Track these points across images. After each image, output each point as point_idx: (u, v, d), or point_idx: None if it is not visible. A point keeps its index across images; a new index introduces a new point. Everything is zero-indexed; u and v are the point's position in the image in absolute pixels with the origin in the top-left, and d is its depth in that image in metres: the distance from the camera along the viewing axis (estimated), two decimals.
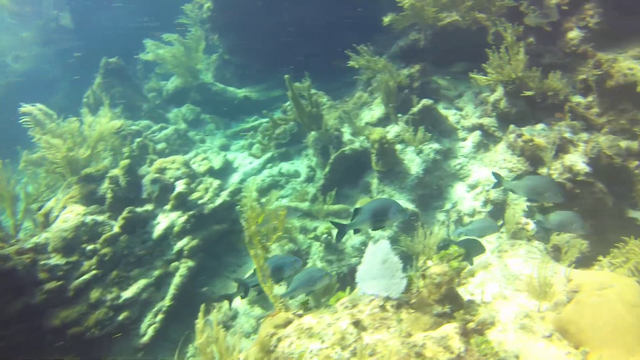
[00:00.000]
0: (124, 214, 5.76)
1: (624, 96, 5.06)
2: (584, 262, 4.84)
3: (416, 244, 4.25)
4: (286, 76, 6.17)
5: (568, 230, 4.12)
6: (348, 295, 2.98)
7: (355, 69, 6.73)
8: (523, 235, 4.35)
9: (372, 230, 4.25)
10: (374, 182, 5.76)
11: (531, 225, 4.36)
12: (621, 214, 4.94)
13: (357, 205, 5.94)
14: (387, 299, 2.55)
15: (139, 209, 6.04)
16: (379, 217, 3.50)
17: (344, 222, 3.88)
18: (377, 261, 2.62)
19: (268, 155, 7.70)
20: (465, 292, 3.79)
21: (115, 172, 6.09)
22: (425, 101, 5.59)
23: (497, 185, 4.17)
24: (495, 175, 4.15)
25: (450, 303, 2.61)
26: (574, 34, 5.51)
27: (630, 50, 5.35)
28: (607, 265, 4.18)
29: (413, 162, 5.54)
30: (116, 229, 5.70)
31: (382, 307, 2.60)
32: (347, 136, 6.61)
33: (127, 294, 5.49)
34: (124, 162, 6.06)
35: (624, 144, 4.97)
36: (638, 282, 3.78)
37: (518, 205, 5.05)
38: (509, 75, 5.13)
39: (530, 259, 4.03)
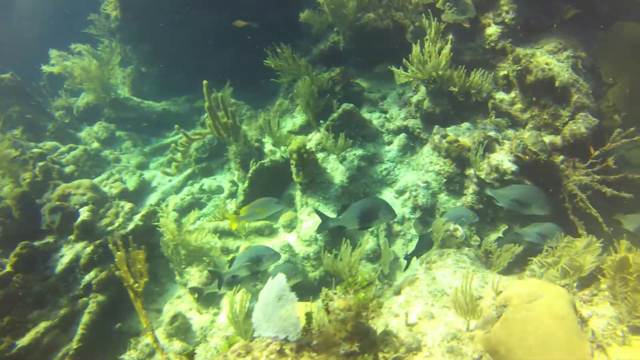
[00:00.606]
0: (17, 250, 5.08)
1: (544, 91, 4.93)
2: (518, 263, 4.64)
3: (338, 263, 3.87)
4: (205, 82, 5.67)
5: (548, 241, 4.00)
6: (241, 341, 2.54)
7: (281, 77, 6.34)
8: (452, 243, 4.07)
9: (359, 229, 4.02)
10: (298, 194, 5.37)
11: (460, 232, 4.09)
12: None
13: (282, 220, 5.56)
14: (286, 341, 2.14)
15: (37, 243, 5.36)
16: (368, 216, 3.47)
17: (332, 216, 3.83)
18: (272, 298, 2.21)
19: (188, 171, 7.16)
20: (389, 313, 3.44)
21: (7, 202, 5.38)
22: (346, 106, 5.26)
23: (480, 191, 4.15)
24: (479, 180, 3.99)
25: (360, 340, 2.22)
26: (492, 30, 5.35)
27: (546, 45, 5.25)
28: (538, 267, 3.95)
29: (337, 170, 5.19)
30: (8, 268, 5.00)
31: (281, 352, 2.19)
32: (268, 147, 6.20)
33: (24, 341, 4.80)
34: (16, 191, 5.37)
35: (547, 139, 4.83)
36: (568, 285, 3.58)
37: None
38: (430, 74, 4.88)
39: (460, 268, 3.75)
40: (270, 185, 5.70)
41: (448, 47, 4.84)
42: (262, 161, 5.57)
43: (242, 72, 7.13)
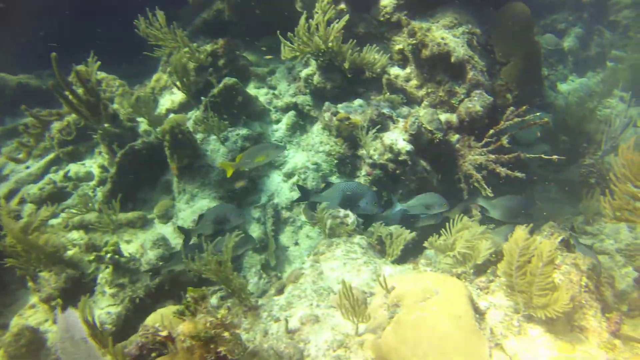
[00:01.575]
0: None
1: (440, 67, 4.66)
2: (414, 251, 4.35)
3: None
4: (53, 54, 4.74)
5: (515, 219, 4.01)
6: None
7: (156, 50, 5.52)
8: (342, 231, 3.64)
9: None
10: (175, 180, 4.68)
11: (350, 218, 3.67)
12: (444, 193, 4.55)
13: (156, 210, 4.84)
14: None
15: None
16: (350, 200, 3.45)
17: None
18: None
19: (51, 156, 6.13)
20: (269, 318, 2.93)
21: None
22: (227, 80, 4.63)
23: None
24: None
25: None
26: (386, 2, 4.98)
27: (442, 19, 4.99)
28: (434, 254, 3.65)
29: (218, 152, 4.56)
30: None
31: None
32: (144, 127, 5.40)
33: None
34: None
35: (443, 117, 4.57)
36: (465, 273, 3.30)
37: None
38: (319, 47, 4.39)
39: (350, 260, 3.32)
40: (145, 171, 4.95)
41: (346, 18, 4.35)
42: (132, 144, 4.79)
43: (120, 43, 6.20)
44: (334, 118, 4.30)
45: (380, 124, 4.22)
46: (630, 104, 7.10)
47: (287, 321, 2.68)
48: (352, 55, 4.45)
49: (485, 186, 4.28)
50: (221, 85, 4.59)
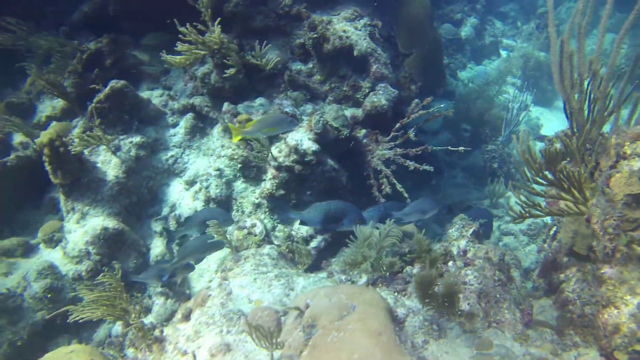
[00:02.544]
0: None
1: (343, 61, 4.52)
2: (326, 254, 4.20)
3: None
4: None
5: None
6: None
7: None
8: (251, 242, 3.39)
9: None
10: (62, 198, 4.16)
11: (258, 227, 3.42)
12: (354, 191, 4.45)
13: (41, 233, 4.29)
14: None
15: None
16: (333, 220, 3.36)
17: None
18: None
19: None
20: (174, 351, 2.62)
21: None
22: (115, 83, 4.17)
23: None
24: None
25: None
26: None
27: (343, 12, 4.86)
28: (350, 256, 3.50)
29: (109, 164, 4.10)
30: None
31: None
32: (19, 138, 4.76)
33: None
34: None
35: (349, 112, 4.44)
36: (381, 277, 3.19)
37: (245, 199, 4.12)
38: (211, 46, 4.07)
39: (260, 275, 3.08)
40: (22, 189, 4.36)
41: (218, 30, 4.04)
42: (4, 159, 4.19)
43: None
44: (235, 120, 4.01)
45: None
46: (523, 90, 7.46)
47: (194, 357, 2.39)
48: (246, 57, 4.20)
49: (395, 181, 4.22)
50: (107, 89, 4.12)
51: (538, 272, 3.96)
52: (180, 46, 3.98)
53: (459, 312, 2.68)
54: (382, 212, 3.91)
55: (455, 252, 3.48)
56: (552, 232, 4.55)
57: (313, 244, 4.09)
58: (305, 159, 3.91)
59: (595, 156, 2.47)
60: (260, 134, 3.56)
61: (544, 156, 2.43)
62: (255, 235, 3.40)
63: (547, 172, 2.47)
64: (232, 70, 4.11)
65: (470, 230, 3.71)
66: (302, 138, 3.94)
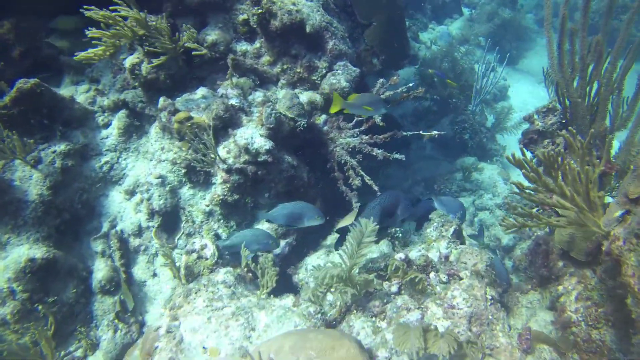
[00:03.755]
0: None
1: (294, 38, 3.94)
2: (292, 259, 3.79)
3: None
4: None
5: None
6: None
7: None
8: (202, 267, 2.91)
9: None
10: None
11: (209, 249, 2.93)
12: (316, 185, 3.99)
13: None
14: None
15: None
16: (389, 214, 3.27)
17: None
18: None
19: None
20: None
21: None
22: (22, 84, 3.47)
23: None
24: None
25: None
26: None
27: None
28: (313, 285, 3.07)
29: (29, 181, 3.49)
30: None
31: None
32: None
33: None
34: None
35: (305, 97, 3.91)
36: (357, 301, 2.78)
37: (195, 207, 3.61)
38: (136, 31, 3.43)
39: (216, 312, 2.61)
40: None
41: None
42: None
43: None
44: (173, 119, 3.43)
45: (231, 119, 3.45)
46: (487, 49, 7.02)
47: None
48: (181, 41, 3.58)
49: (363, 172, 3.77)
50: (13, 91, 3.44)
51: (527, 261, 3.60)
52: (91, 32, 3.33)
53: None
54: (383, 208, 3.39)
55: (436, 259, 3.10)
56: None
57: (276, 250, 3.65)
58: (259, 159, 3.40)
59: (605, 156, 2.07)
60: (359, 111, 3.45)
61: (543, 160, 2.01)
62: (207, 259, 2.92)
63: (546, 179, 2.05)
64: (162, 58, 3.51)
65: (451, 230, 3.33)
66: (252, 135, 3.41)
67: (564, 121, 3.85)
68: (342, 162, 3.86)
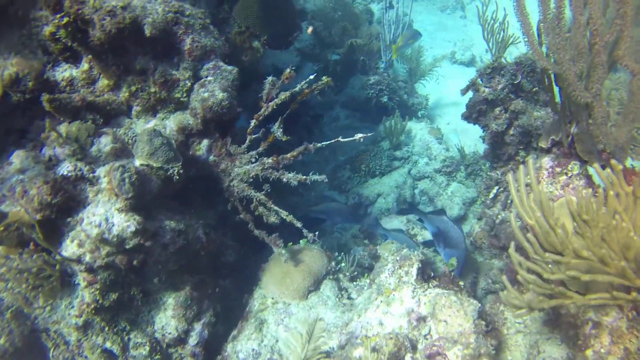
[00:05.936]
0: None
1: (133, 47, 2.76)
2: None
3: None
4: None
5: None
6: None
7: None
8: None
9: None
10: None
11: None
12: (222, 228, 2.99)
13: None
14: None
15: None
16: None
17: None
18: None
19: None
20: None
21: None
22: None
23: None
24: None
25: None
26: None
27: None
28: None
29: None
30: None
31: None
32: None
33: None
34: None
35: (173, 125, 2.80)
36: None
37: (61, 324, 2.51)
38: None
39: None
40: None
41: None
42: None
43: None
44: None
45: (68, 201, 2.30)
46: None
47: None
48: None
49: (276, 207, 2.80)
50: None
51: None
52: None
53: None
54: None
55: (404, 324, 2.27)
56: (492, 193, 3.49)
57: (192, 339, 2.71)
58: (127, 247, 2.32)
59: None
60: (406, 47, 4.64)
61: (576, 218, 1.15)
62: None
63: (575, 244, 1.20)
64: None
65: (414, 271, 2.48)
66: (107, 215, 2.29)
67: (515, 82, 3.05)
68: (246, 198, 2.86)
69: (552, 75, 2.12)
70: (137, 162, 2.53)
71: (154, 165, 2.50)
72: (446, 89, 6.18)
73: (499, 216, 3.36)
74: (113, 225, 2.27)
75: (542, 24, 1.95)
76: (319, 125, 5.47)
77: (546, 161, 2.30)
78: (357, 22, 5.26)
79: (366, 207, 4.60)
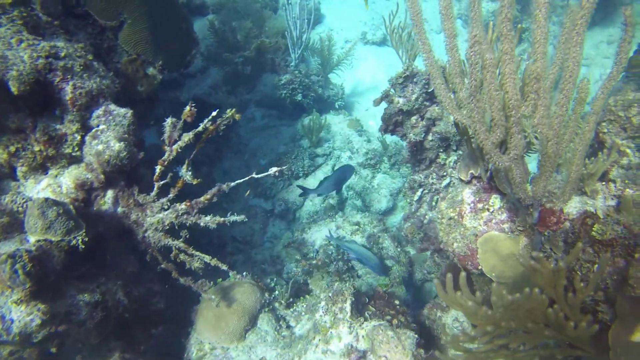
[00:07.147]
0: None
1: (2, 105, 2.42)
2: None
3: None
4: None
5: None
6: None
7: None
8: None
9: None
10: None
11: None
12: (146, 282, 2.79)
13: None
14: None
15: None
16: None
17: None
18: None
19: None
20: None
21: None
22: None
23: None
24: None
25: None
26: None
27: None
28: None
29: None
30: None
31: None
32: None
33: None
34: None
35: (69, 183, 2.53)
36: None
37: None
38: None
39: None
40: None
41: None
42: None
43: None
44: None
45: None
46: None
47: None
48: None
49: (198, 253, 2.65)
50: None
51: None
52: None
53: None
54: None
55: None
56: (417, 195, 3.49)
57: None
58: (35, 340, 2.09)
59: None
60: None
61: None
62: None
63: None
64: None
65: (347, 306, 2.44)
66: (3, 312, 2.04)
67: (430, 89, 2.99)
68: (164, 247, 2.67)
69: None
70: (32, 239, 2.27)
71: (53, 239, 2.24)
72: (361, 72, 6.10)
73: (426, 216, 3.38)
74: (12, 323, 2.03)
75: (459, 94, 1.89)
76: (234, 128, 5.26)
77: (467, 195, 2.29)
78: (261, 18, 5.00)
79: (294, 212, 4.50)
